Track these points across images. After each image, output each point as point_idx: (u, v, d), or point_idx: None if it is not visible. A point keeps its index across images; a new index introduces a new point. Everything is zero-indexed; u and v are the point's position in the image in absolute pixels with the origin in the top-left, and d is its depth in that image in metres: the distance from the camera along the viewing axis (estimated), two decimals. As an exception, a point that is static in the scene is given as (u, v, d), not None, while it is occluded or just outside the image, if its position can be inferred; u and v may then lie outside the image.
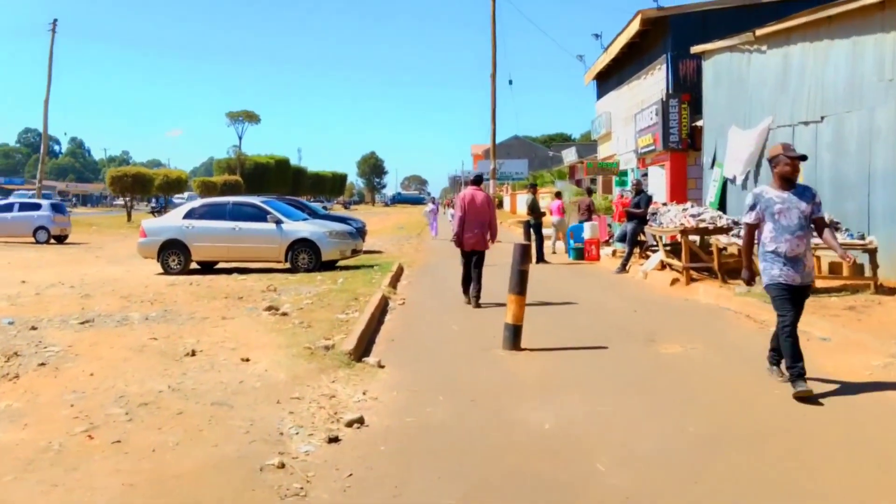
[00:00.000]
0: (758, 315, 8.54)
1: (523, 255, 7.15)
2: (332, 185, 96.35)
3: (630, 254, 14.22)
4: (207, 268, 15.03)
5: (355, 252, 15.45)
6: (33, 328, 7.58)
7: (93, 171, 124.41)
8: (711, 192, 15.95)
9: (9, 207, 27.31)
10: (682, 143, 18.39)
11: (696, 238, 12.40)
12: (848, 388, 5.50)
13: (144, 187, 43.68)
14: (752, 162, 13.95)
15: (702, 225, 11.87)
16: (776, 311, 5.48)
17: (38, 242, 25.46)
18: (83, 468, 3.75)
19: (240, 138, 72.29)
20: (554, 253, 18.18)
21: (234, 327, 7.73)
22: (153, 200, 52.74)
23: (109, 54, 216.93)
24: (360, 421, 4.70)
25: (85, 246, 24.68)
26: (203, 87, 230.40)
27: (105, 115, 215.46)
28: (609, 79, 25.73)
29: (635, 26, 19.98)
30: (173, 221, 14.91)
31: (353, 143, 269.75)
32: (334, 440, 4.34)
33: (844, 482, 3.79)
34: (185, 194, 53.48)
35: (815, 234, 5.54)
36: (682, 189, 18.38)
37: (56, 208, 27.58)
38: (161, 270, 14.20)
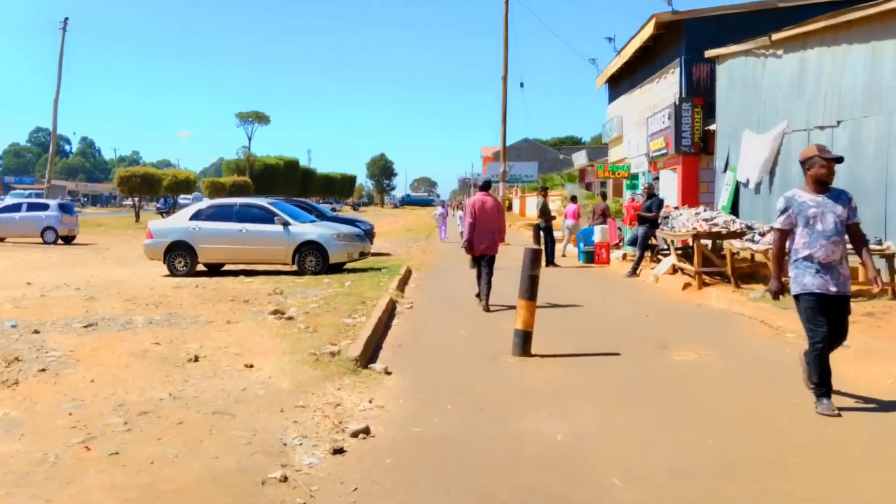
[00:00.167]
0: (773, 321, 8.38)
1: (534, 259, 7.00)
2: (341, 187, 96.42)
3: (641, 257, 14.06)
4: (214, 270, 14.93)
5: (363, 255, 15.28)
6: (36, 332, 7.48)
7: (103, 171, 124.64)
8: (724, 196, 15.77)
9: (17, 207, 27.11)
10: (695, 146, 18.29)
11: (708, 242, 12.20)
12: (870, 399, 5.34)
13: (153, 188, 43.23)
14: (766, 166, 13.76)
15: (714, 229, 11.69)
16: (805, 327, 5.09)
17: (45, 243, 25.36)
18: (77, 482, 3.61)
19: (249, 139, 72.61)
20: (564, 256, 18.03)
21: (239, 332, 7.60)
22: (160, 201, 52.31)
23: (122, 55, 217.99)
24: (366, 431, 4.55)
25: (92, 247, 24.64)
26: (214, 88, 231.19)
27: (116, 116, 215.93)
28: (621, 82, 25.62)
29: (649, 30, 19.85)
30: (180, 223, 14.77)
31: (362, 144, 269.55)
32: (339, 452, 4.20)
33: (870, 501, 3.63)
34: (192, 195, 53.26)
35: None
36: (694, 193, 18.26)
37: (64, 208, 27.27)
38: (167, 272, 14.10)
